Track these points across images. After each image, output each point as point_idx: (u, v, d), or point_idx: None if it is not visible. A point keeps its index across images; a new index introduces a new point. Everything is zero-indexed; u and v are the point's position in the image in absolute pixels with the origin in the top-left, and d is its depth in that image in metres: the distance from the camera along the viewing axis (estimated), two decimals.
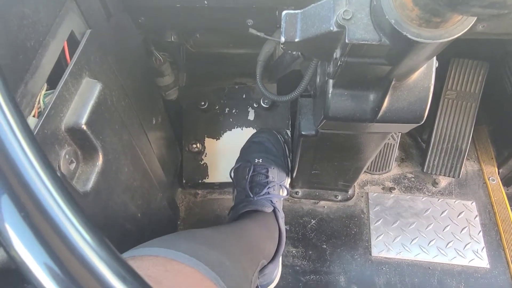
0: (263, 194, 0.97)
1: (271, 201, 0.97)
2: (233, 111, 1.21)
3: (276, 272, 1.02)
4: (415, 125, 0.64)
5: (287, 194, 1.11)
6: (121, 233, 0.75)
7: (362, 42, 0.45)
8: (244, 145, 1.13)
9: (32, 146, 0.21)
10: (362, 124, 0.65)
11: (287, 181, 1.13)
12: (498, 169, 1.25)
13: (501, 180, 1.23)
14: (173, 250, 0.54)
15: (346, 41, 0.45)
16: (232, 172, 1.04)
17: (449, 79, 1.15)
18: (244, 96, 1.21)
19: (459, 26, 0.40)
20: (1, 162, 0.21)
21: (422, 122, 0.62)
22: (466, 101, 1.15)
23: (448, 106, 1.16)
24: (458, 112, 1.16)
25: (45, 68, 0.53)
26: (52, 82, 0.56)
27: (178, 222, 1.20)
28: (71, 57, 0.59)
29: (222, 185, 1.22)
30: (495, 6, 0.28)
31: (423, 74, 0.59)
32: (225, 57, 1.14)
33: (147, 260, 0.51)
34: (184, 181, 1.21)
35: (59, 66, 0.58)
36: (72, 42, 0.60)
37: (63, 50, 0.58)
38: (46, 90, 0.59)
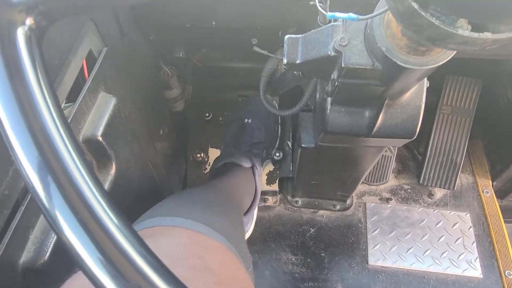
0: (246, 152, 1.04)
1: (251, 158, 1.04)
2: None
3: (250, 224, 1.10)
4: (408, 140, 0.69)
5: (269, 158, 1.15)
6: None
7: (356, 67, 0.50)
8: (238, 103, 1.20)
9: (80, 157, 0.25)
10: (358, 138, 0.70)
11: (274, 146, 1.18)
12: (492, 182, 1.28)
13: (494, 192, 1.26)
14: (193, 220, 0.58)
15: (342, 65, 0.50)
16: (224, 128, 1.11)
17: (444, 95, 1.20)
18: None
19: (444, 54, 0.45)
20: (55, 164, 0.24)
21: (414, 138, 0.67)
22: (460, 116, 1.20)
23: (444, 120, 1.21)
24: (453, 127, 1.20)
25: (66, 84, 0.58)
26: (69, 95, 0.61)
27: None
28: (89, 73, 0.64)
29: None
30: (467, 44, 0.33)
31: (414, 93, 0.63)
32: (229, 70, 1.19)
33: (181, 233, 0.55)
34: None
35: (77, 81, 0.63)
36: (90, 59, 0.65)
37: (81, 67, 0.63)
38: (64, 104, 0.64)
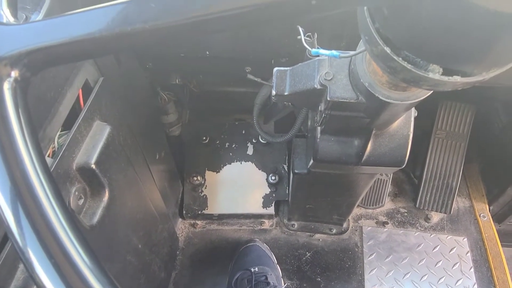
0: None
1: None
2: (233, 145, 1.27)
3: None
4: (397, 168, 0.69)
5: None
6: (122, 264, 0.79)
7: (341, 100, 0.51)
8: (237, 256, 1.17)
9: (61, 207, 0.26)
10: (348, 166, 0.71)
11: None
12: (489, 206, 1.28)
13: (492, 217, 1.26)
14: None
15: (328, 98, 0.51)
16: (233, 283, 1.07)
17: (438, 119, 1.21)
18: (243, 132, 1.27)
19: (424, 90, 0.46)
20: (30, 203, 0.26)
21: (403, 166, 0.67)
22: (455, 141, 1.20)
23: (439, 145, 1.21)
24: (448, 151, 1.21)
25: (61, 114, 0.59)
26: (65, 122, 0.63)
27: (177, 252, 1.24)
28: (84, 103, 0.66)
29: (221, 216, 1.27)
30: (439, 86, 0.34)
31: (402, 123, 0.64)
32: (226, 95, 1.21)
33: None
34: (184, 212, 1.25)
35: (73, 109, 0.64)
36: (86, 88, 0.67)
37: (77, 96, 0.65)
38: (60, 131, 0.65)
